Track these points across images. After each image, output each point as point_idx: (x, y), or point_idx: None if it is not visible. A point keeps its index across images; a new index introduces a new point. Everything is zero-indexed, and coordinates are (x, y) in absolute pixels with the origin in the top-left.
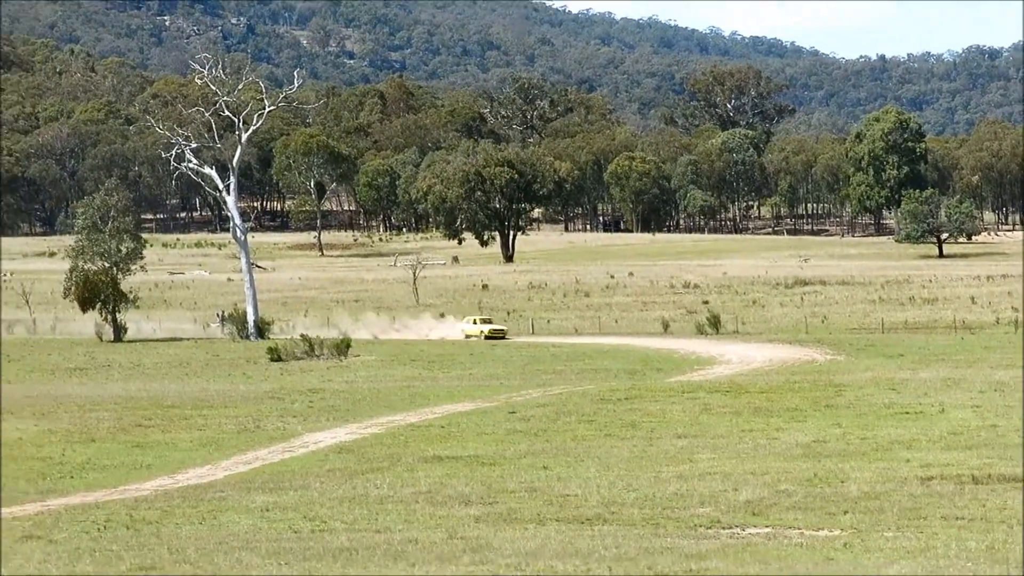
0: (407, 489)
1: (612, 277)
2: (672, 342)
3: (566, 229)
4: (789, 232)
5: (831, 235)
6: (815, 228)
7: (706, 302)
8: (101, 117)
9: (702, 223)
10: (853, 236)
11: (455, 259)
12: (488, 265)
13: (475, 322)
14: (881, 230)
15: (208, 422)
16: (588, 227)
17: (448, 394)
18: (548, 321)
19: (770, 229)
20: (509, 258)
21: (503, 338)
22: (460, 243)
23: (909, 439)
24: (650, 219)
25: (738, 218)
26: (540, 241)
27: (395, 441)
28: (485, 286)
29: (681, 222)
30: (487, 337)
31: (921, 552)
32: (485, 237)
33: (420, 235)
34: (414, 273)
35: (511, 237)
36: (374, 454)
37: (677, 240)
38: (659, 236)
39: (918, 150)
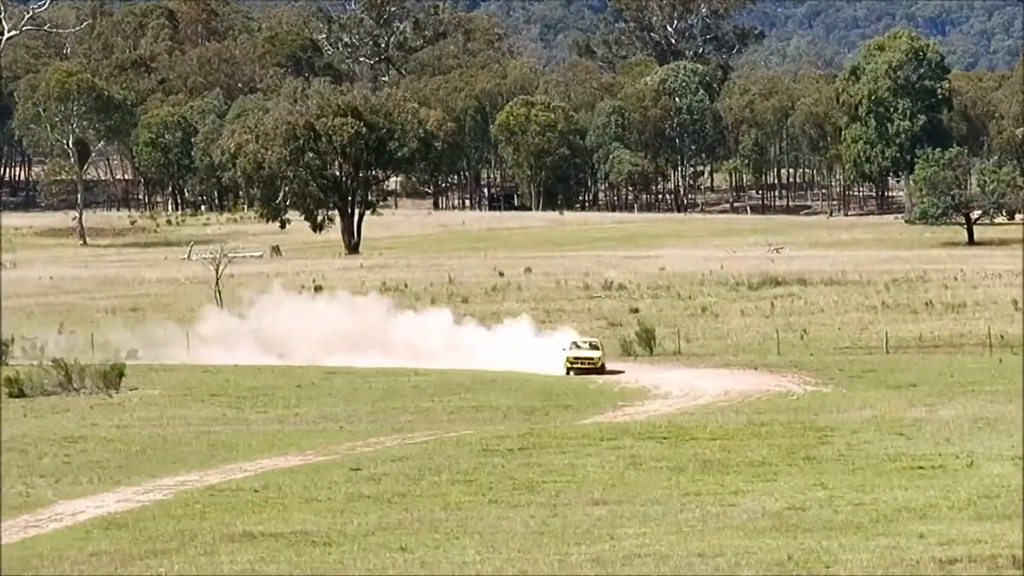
0: None
1: (501, 275)
2: None
3: (436, 206)
4: (755, 210)
5: (815, 213)
6: (792, 204)
7: (635, 310)
8: None
9: (631, 197)
10: (846, 215)
11: (276, 250)
12: (324, 258)
13: (571, 347)
14: (886, 206)
15: None
16: (468, 203)
17: (265, 443)
18: None
19: (728, 205)
20: (354, 248)
21: (599, 371)
22: (284, 227)
23: (924, 505)
24: (556, 191)
25: (683, 190)
26: (399, 223)
27: (188, 511)
28: (318, 288)
29: (601, 196)
30: (569, 370)
31: None
32: (320, 218)
33: (226, 216)
34: (217, 270)
35: (357, 218)
36: (157, 530)
37: (595, 221)
38: (569, 216)
39: (939, 92)
